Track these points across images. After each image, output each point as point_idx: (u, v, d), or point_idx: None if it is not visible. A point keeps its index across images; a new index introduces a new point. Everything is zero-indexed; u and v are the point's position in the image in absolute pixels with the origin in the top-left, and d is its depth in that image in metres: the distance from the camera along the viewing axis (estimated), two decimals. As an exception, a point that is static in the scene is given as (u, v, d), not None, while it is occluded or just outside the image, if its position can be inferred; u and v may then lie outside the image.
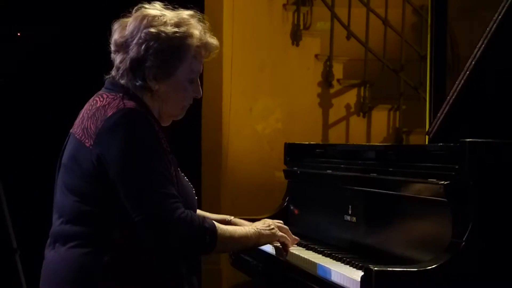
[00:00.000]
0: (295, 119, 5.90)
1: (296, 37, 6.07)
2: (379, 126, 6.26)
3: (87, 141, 2.57)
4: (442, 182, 2.34)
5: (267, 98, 5.87)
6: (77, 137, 2.61)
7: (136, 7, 2.71)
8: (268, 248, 3.00)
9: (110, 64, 2.74)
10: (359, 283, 2.26)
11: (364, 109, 6.24)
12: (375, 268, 2.21)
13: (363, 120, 6.24)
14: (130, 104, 2.59)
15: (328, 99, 6.16)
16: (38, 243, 2.97)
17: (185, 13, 2.71)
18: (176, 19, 2.67)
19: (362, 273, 2.26)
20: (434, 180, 2.39)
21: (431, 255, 2.30)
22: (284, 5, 6.07)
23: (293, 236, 2.89)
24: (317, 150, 3.42)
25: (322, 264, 2.62)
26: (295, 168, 3.46)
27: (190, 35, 2.67)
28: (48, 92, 5.20)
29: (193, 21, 2.70)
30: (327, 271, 2.56)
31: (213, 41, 2.75)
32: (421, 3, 6.34)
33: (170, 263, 2.59)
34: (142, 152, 2.54)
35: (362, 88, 6.27)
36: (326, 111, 6.13)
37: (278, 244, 2.88)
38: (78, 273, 2.53)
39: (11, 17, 5.07)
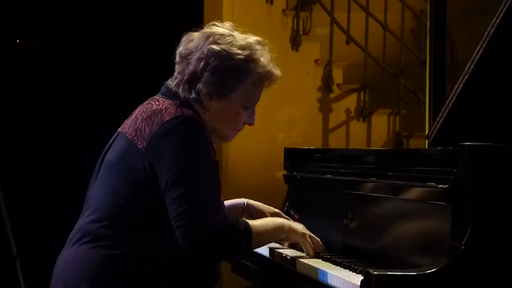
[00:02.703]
0: (295, 124, 5.90)
1: (295, 42, 6.07)
2: (379, 130, 6.26)
3: (139, 142, 2.57)
4: (441, 185, 2.34)
5: (267, 103, 5.85)
6: (129, 137, 2.61)
7: (208, 24, 2.73)
8: (266, 253, 3.01)
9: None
10: (359, 287, 2.26)
11: (364, 113, 6.24)
12: (375, 272, 2.21)
13: (363, 124, 6.24)
14: (187, 112, 2.61)
15: (328, 103, 6.16)
16: (38, 250, 2.98)
17: (253, 38, 2.71)
18: (242, 42, 2.68)
19: (362, 277, 2.25)
20: (433, 183, 2.39)
21: (431, 259, 2.30)
22: (283, 10, 6.08)
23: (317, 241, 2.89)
24: (317, 155, 3.41)
25: (322, 268, 2.62)
26: (295, 173, 3.46)
27: (253, 60, 2.67)
28: (47, 98, 5.21)
29: (259, 47, 2.70)
30: (327, 275, 2.56)
31: (276, 71, 2.74)
32: (420, 7, 6.35)
33: (190, 276, 2.60)
34: (195, 160, 2.55)
35: (362, 93, 6.28)
36: (326, 115, 6.13)
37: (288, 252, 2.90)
38: (101, 274, 2.51)
39: (11, 24, 5.09)
